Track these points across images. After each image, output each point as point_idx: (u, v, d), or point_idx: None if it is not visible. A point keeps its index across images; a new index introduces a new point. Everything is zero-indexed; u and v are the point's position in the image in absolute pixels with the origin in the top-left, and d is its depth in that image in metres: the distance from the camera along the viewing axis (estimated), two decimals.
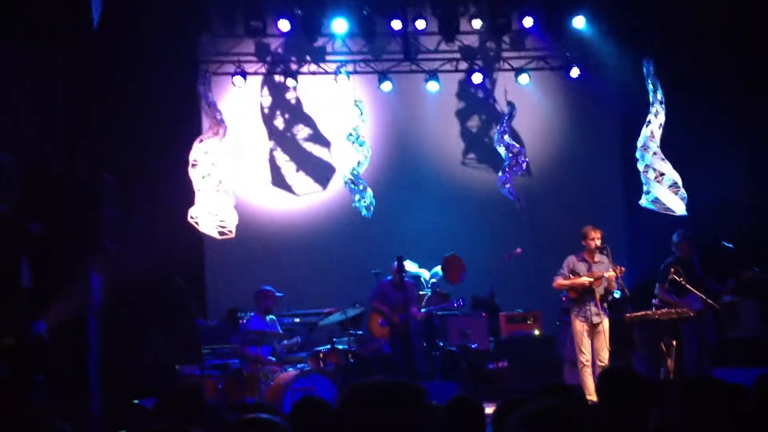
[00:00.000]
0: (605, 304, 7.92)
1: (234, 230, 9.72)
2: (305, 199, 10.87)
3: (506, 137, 10.79)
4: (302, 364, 7.86)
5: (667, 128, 10.03)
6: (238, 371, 7.60)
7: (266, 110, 10.95)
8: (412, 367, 8.46)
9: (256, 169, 10.80)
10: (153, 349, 8.44)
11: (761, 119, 9.36)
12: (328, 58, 10.77)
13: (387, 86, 10.69)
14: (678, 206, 9.85)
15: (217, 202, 9.65)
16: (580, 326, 7.84)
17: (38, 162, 7.71)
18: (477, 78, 10.90)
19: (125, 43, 8.92)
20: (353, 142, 10.42)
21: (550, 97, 11.34)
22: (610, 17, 10.68)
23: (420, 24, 10.31)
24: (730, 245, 8.60)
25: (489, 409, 4.25)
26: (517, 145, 10.84)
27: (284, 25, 10.10)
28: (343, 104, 10.66)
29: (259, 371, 7.57)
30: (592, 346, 7.76)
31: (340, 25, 10.20)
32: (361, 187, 10.32)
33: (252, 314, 8.34)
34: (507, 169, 10.76)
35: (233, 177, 10.12)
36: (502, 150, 10.80)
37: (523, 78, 10.93)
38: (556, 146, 11.30)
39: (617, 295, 8.25)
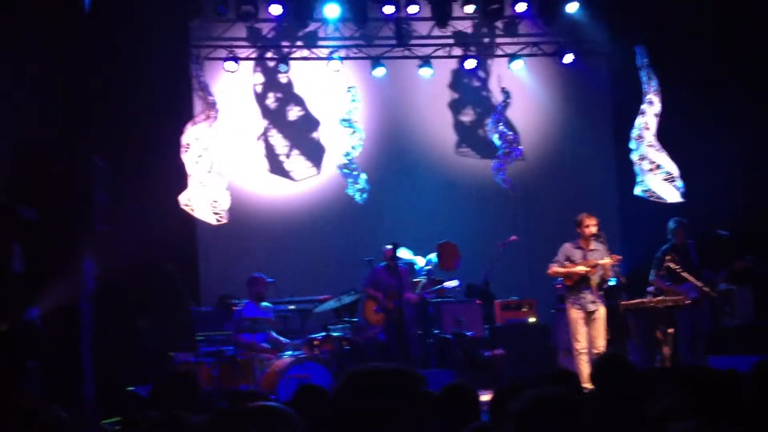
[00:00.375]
0: (601, 292, 7.90)
1: (226, 213, 9.67)
2: (298, 185, 10.84)
3: (500, 125, 10.77)
4: (297, 351, 7.83)
5: (663, 116, 9.99)
6: (233, 358, 7.57)
7: (258, 95, 10.89)
8: (407, 355, 8.45)
9: (249, 154, 10.75)
10: (146, 336, 8.42)
11: (756, 107, 9.33)
12: (320, 43, 10.71)
13: (380, 72, 10.65)
14: (672, 196, 9.81)
15: (210, 184, 9.61)
16: (575, 314, 7.83)
17: (29, 147, 7.64)
18: (470, 64, 10.88)
19: (117, 28, 8.83)
20: (346, 127, 10.39)
21: (543, 84, 11.31)
22: (604, 3, 10.65)
23: (413, 9, 10.26)
24: (726, 233, 8.60)
25: (484, 397, 4.24)
26: (512, 133, 10.82)
27: (276, 9, 10.03)
28: (335, 89, 10.62)
29: (254, 358, 7.55)
30: (589, 334, 7.75)
31: (332, 10, 10.13)
32: (354, 173, 10.31)
33: (246, 301, 8.31)
34: (501, 157, 10.76)
35: (226, 162, 10.08)
36: (496, 138, 10.78)
37: (517, 64, 10.90)
38: (550, 133, 11.28)
39: (613, 282, 8.24)
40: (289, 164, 10.85)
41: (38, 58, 7.80)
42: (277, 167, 10.83)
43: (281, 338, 8.14)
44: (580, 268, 7.78)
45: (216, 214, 9.61)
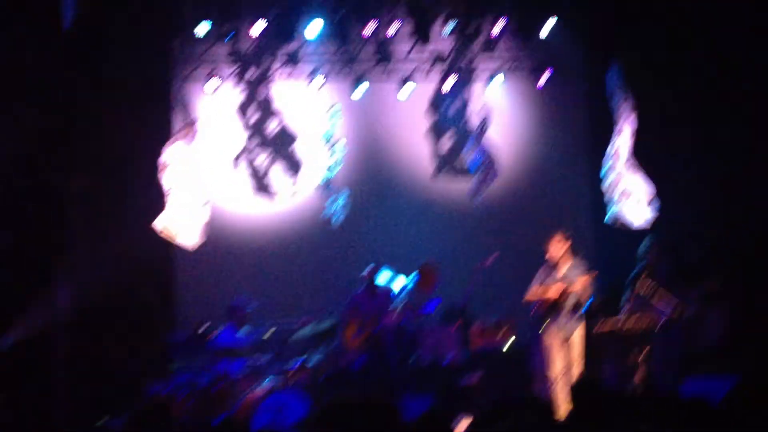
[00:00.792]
0: (577, 316, 7.93)
1: (204, 230, 9.57)
2: (278, 205, 10.81)
3: (479, 145, 10.88)
4: (274, 380, 7.76)
5: (637, 137, 10.10)
6: (208, 388, 7.48)
7: (239, 115, 10.87)
8: (386, 381, 8.40)
9: (229, 174, 10.72)
10: (119, 365, 8.29)
11: (731, 129, 9.46)
12: (302, 61, 10.76)
13: (361, 90, 10.72)
14: (642, 220, 9.85)
15: (188, 200, 9.53)
16: (550, 338, 7.85)
17: (3, 168, 7.55)
18: (450, 83, 10.99)
19: (96, 47, 8.79)
20: (328, 144, 10.43)
21: (520, 104, 11.42)
22: (581, 24, 10.80)
23: (394, 29, 10.35)
24: (699, 255, 8.70)
25: (463, 423, 4.23)
26: (489, 155, 10.92)
27: (258, 28, 10.07)
28: (317, 108, 10.65)
29: (229, 387, 7.46)
30: (565, 358, 7.77)
31: (313, 29, 10.20)
32: (335, 191, 10.33)
33: (223, 329, 8.23)
34: (478, 180, 10.84)
35: (204, 180, 10.06)
36: (474, 158, 10.88)
37: (495, 83, 11.04)
38: (526, 153, 11.37)
39: (587, 305, 8.29)
40: (269, 183, 10.83)
41: (12, 74, 7.73)
42: (256, 186, 10.80)
43: (258, 366, 8.06)
44: (553, 291, 7.82)
45: (194, 230, 9.52)
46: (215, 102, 10.53)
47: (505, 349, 9.46)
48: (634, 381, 7.83)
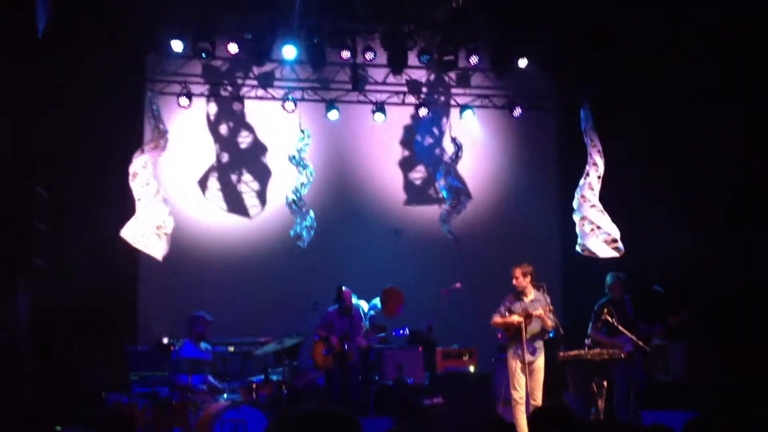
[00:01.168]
0: (540, 343, 8.00)
1: (169, 238, 9.50)
2: (245, 221, 10.77)
3: (449, 176, 10.98)
4: (235, 395, 7.68)
5: (606, 173, 10.25)
6: (167, 400, 7.38)
7: (210, 132, 10.86)
8: (347, 400, 8.37)
9: (196, 190, 10.68)
10: (79, 375, 8.15)
11: (696, 167, 9.64)
12: (275, 83, 10.79)
13: (334, 115, 10.75)
14: (609, 254, 9.94)
15: (155, 208, 9.49)
16: (514, 364, 7.90)
17: None
18: (423, 112, 11.09)
19: (68, 57, 8.75)
20: (296, 165, 10.42)
21: (493, 136, 11.58)
22: (553, 60, 11.00)
23: (369, 56, 10.42)
24: (661, 289, 8.82)
25: None
26: (460, 185, 11.03)
27: (233, 48, 10.07)
28: (288, 130, 10.67)
29: (189, 400, 7.37)
30: (527, 384, 7.81)
31: (289, 52, 10.22)
32: (302, 210, 10.32)
33: (185, 341, 8.14)
34: (448, 208, 10.92)
35: (172, 192, 10.02)
36: (444, 188, 10.97)
37: (468, 115, 11.14)
38: (497, 184, 11.51)
39: (552, 334, 8.35)
40: (237, 201, 10.80)
41: None
42: (223, 203, 10.77)
43: (217, 383, 7.97)
44: (515, 318, 7.88)
45: (160, 241, 9.45)
46: (187, 116, 10.52)
47: (468, 373, 9.48)
48: (596, 409, 7.88)
